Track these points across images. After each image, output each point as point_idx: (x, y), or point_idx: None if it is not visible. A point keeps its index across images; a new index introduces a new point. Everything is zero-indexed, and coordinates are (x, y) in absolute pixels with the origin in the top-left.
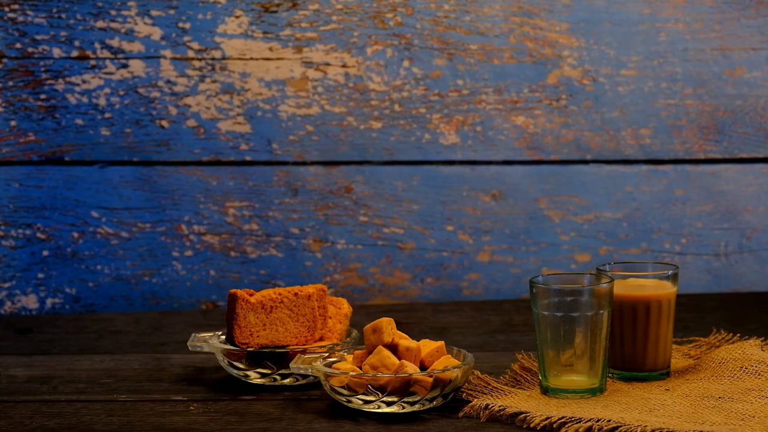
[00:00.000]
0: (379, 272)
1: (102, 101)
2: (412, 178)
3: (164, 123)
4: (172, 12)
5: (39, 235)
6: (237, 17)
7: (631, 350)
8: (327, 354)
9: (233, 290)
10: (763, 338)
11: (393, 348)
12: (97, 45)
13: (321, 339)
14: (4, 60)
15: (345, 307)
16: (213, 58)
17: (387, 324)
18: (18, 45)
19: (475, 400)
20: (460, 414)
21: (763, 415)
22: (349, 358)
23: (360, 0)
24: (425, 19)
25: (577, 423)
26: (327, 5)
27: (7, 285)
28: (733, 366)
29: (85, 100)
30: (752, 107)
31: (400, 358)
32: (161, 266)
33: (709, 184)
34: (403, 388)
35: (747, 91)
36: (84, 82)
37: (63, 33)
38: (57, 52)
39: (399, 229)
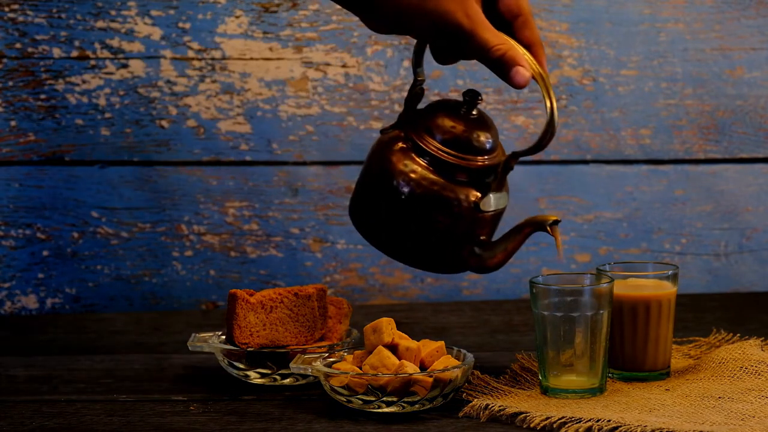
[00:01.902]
0: (379, 272)
1: (102, 101)
2: None
3: (164, 123)
4: (172, 12)
5: (39, 235)
6: (237, 17)
7: (631, 350)
8: (327, 354)
9: (233, 290)
10: (763, 338)
11: (393, 348)
12: (97, 45)
13: (321, 339)
14: (4, 60)
15: (345, 307)
16: (213, 58)
17: (387, 324)
18: (18, 45)
19: (475, 400)
20: (460, 414)
21: (763, 415)
22: (349, 358)
23: None
24: None
25: (577, 423)
26: (327, 5)
27: (7, 285)
28: (733, 366)
29: (85, 100)
30: (752, 107)
31: (400, 358)
32: (161, 266)
33: (709, 184)
34: (403, 388)
35: (747, 91)
36: (84, 82)
37: (63, 33)
38: (57, 52)
39: None
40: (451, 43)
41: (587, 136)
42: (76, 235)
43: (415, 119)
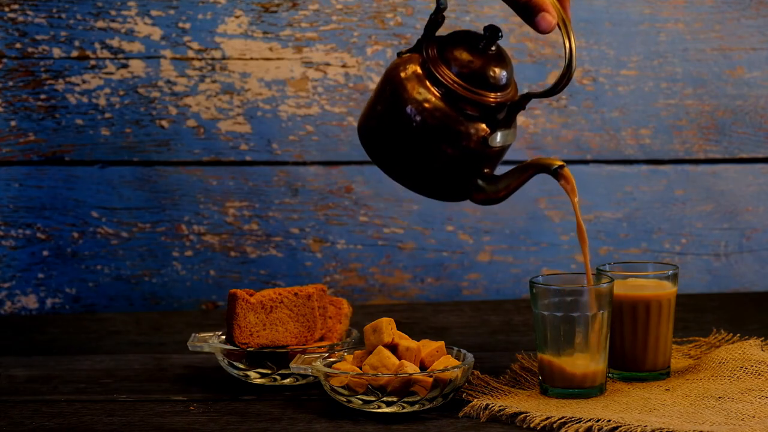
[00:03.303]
0: (379, 272)
1: (102, 101)
2: None
3: (164, 123)
4: (172, 12)
5: (39, 235)
6: (237, 17)
7: (631, 350)
8: (327, 354)
9: (233, 290)
10: (763, 338)
11: (393, 348)
12: (97, 45)
13: (321, 339)
14: (4, 60)
15: (345, 307)
16: (213, 58)
17: (387, 324)
18: (18, 45)
19: (475, 400)
20: (460, 414)
21: (763, 415)
22: (349, 358)
23: (360, 0)
24: (425, 19)
25: (577, 423)
26: (327, 5)
27: (7, 285)
28: (733, 366)
29: (85, 100)
30: (752, 107)
31: (400, 358)
32: (161, 266)
33: (709, 184)
34: (403, 388)
35: (747, 91)
36: (84, 82)
37: (63, 33)
38: (57, 52)
39: (399, 229)
40: None
41: (587, 136)
42: (76, 235)
43: (434, 47)
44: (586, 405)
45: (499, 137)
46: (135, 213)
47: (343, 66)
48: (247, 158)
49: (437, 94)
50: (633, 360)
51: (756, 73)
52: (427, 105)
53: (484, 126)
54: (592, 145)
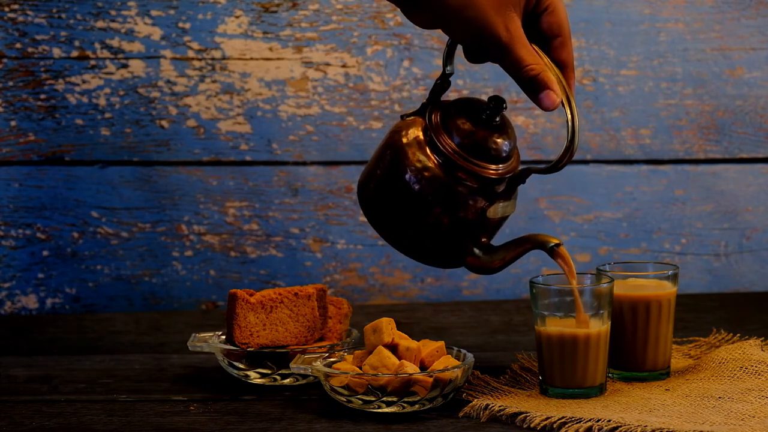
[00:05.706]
0: (379, 272)
1: (102, 101)
2: None
3: (164, 123)
4: (172, 12)
5: (39, 235)
6: (237, 17)
7: (631, 350)
8: (327, 354)
9: (233, 290)
10: (763, 338)
11: (393, 348)
12: (97, 45)
13: (321, 339)
14: (4, 60)
15: (345, 307)
16: (213, 58)
17: (387, 324)
18: (18, 45)
19: (475, 400)
20: (460, 414)
21: (763, 415)
22: (349, 358)
23: (360, 0)
24: None
25: (577, 423)
26: (327, 5)
27: (7, 285)
28: (733, 366)
29: (85, 100)
30: (752, 107)
31: (400, 358)
32: (161, 266)
33: (709, 184)
34: (403, 388)
35: (747, 91)
36: (84, 82)
37: (63, 33)
38: (57, 52)
39: None
40: (487, 52)
41: (587, 136)
42: (76, 235)
43: (438, 113)
44: (586, 405)
45: (498, 209)
46: (135, 213)
47: (343, 66)
48: (247, 158)
49: (437, 162)
50: (633, 360)
51: (756, 73)
52: (426, 173)
53: (483, 198)
54: (592, 145)
